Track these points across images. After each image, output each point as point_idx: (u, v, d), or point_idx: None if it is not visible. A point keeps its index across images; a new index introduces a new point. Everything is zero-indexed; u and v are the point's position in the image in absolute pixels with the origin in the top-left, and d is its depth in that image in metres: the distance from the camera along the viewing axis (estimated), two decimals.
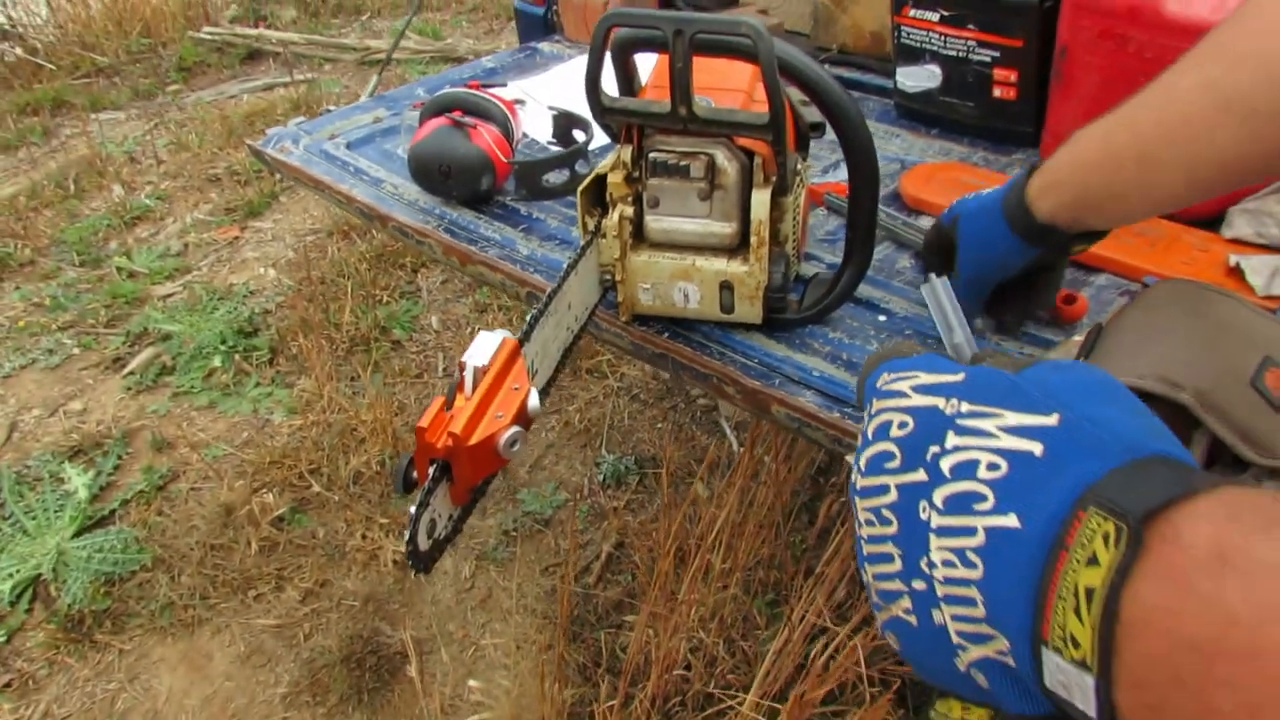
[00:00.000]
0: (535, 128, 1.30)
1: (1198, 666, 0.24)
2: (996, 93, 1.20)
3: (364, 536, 1.70)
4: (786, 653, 1.24)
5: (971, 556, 0.30)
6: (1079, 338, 0.82)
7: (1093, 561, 0.26)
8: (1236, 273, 0.91)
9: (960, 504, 0.31)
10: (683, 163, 0.82)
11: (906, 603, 0.33)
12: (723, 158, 0.82)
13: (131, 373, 2.13)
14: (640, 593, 1.54)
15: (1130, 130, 0.65)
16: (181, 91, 3.61)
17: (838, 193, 1.10)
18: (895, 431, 0.35)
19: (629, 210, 0.86)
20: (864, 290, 0.94)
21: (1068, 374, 0.33)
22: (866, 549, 0.35)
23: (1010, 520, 0.29)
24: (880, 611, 0.35)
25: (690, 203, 0.85)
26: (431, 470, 0.58)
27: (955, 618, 0.31)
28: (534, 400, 0.64)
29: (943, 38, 1.20)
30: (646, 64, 0.88)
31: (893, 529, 0.34)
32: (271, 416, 2.00)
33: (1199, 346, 0.69)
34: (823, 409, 0.83)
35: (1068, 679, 0.27)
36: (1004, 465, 0.30)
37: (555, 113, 1.24)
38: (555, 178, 1.13)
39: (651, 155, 0.83)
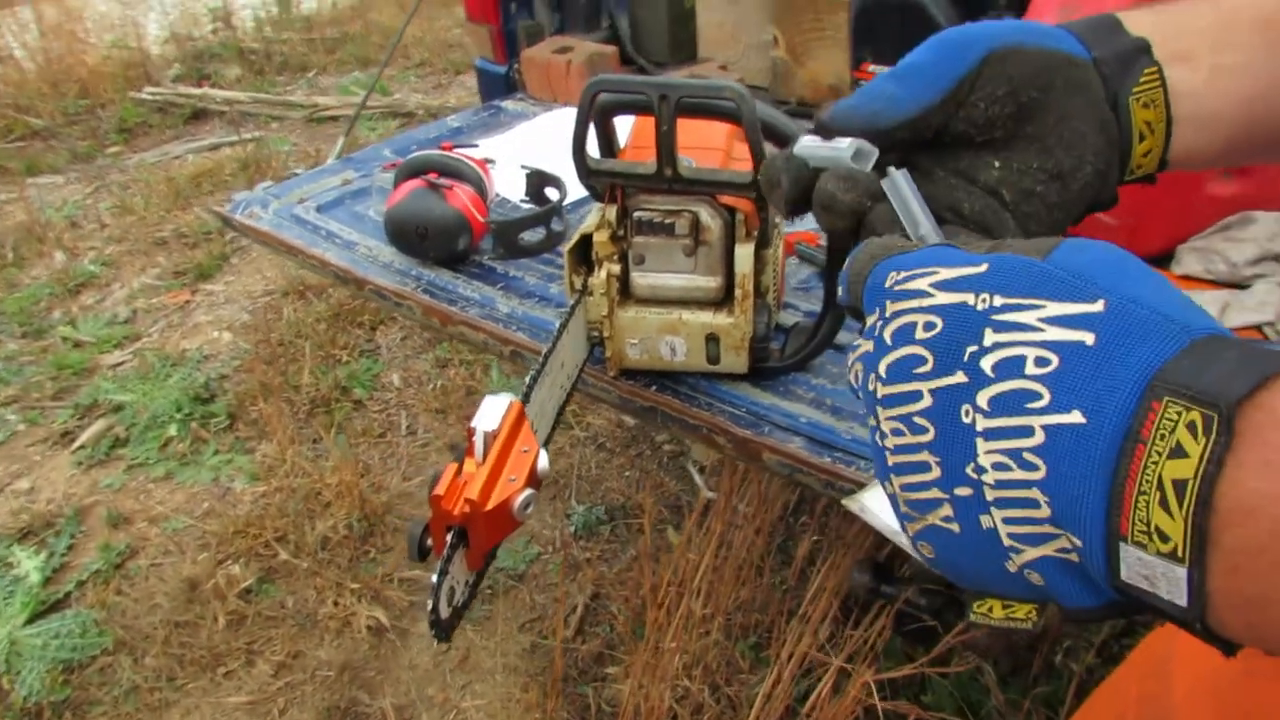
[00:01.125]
0: (507, 186, 1.31)
1: None
2: None
3: (335, 603, 1.65)
4: (776, 695, 1.24)
5: (1030, 458, 0.29)
6: None
7: (1178, 453, 0.26)
8: None
9: (1010, 404, 0.30)
10: (667, 220, 0.85)
11: (947, 510, 0.32)
12: (706, 215, 0.85)
13: (82, 446, 2.06)
14: (619, 644, 1.53)
15: None
16: (123, 153, 3.55)
17: (808, 241, 1.13)
18: (921, 334, 0.33)
19: (615, 268, 0.88)
20: (843, 336, 0.97)
21: (1094, 254, 0.31)
22: (893, 459, 0.34)
23: (1073, 417, 0.28)
24: (912, 522, 0.34)
25: (675, 259, 0.87)
26: (448, 537, 0.58)
27: (1009, 520, 0.30)
28: (543, 461, 0.64)
29: None
30: (624, 125, 0.91)
31: (928, 436, 0.32)
32: (233, 484, 1.95)
33: None
34: (813, 454, 0.85)
35: (1152, 572, 0.27)
36: (1054, 359, 0.29)
37: (528, 171, 1.26)
38: (531, 236, 1.14)
39: (636, 214, 0.85)
